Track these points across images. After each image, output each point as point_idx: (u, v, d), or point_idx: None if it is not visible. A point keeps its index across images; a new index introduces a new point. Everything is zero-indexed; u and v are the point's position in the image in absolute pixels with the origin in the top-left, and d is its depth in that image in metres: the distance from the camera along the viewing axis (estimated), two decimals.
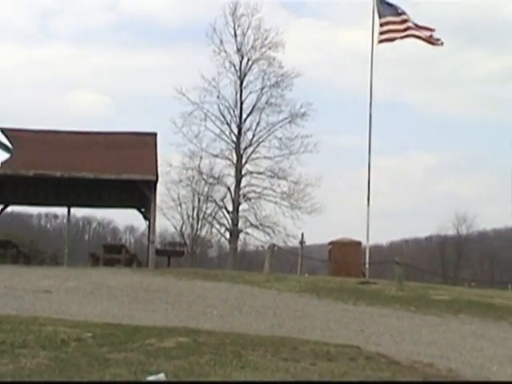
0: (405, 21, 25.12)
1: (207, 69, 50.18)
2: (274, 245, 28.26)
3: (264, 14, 46.74)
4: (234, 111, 45.87)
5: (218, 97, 45.51)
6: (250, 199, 46.16)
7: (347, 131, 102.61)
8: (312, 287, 19.91)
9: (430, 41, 25.35)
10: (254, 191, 46.27)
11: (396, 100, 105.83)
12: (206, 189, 49.66)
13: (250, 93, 46.26)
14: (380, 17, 25.39)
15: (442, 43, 25.38)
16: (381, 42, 25.36)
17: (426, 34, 25.22)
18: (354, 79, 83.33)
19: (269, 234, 45.71)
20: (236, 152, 45.56)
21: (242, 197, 45.69)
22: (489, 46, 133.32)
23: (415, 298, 18.38)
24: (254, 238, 47.92)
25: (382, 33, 25.28)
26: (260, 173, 46.18)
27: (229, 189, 46.24)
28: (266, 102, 46.01)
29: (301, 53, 76.12)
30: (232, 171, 45.94)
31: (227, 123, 45.81)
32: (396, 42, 25.54)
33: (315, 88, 76.71)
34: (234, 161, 45.64)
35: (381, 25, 25.31)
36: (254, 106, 46.08)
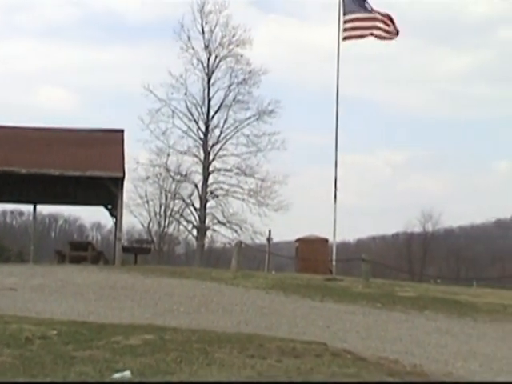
0: (372, 18, 25.16)
1: (175, 66, 49.93)
2: (241, 242, 28.29)
3: (232, 11, 46.74)
4: (201, 108, 45.80)
5: (186, 94, 45.43)
6: (217, 196, 46.12)
7: (315, 128, 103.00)
8: (279, 284, 19.93)
9: (390, 35, 25.30)
10: (222, 188, 46.24)
11: (364, 98, 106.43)
12: (173, 186, 49.53)
13: (218, 90, 46.22)
14: (345, 13, 25.39)
15: (397, 32, 25.31)
16: (345, 39, 25.36)
17: (388, 27, 25.19)
18: (322, 76, 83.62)
19: (236, 231, 45.72)
20: (203, 149, 45.48)
21: (209, 194, 45.63)
22: (454, 44, 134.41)
23: (381, 295, 18.47)
24: (221, 235, 47.92)
25: (346, 29, 25.28)
26: (227, 170, 46.16)
27: (196, 186, 46.16)
28: (234, 99, 46.00)
29: (269, 50, 76.41)
30: (199, 168, 45.86)
31: (195, 120, 45.73)
32: (361, 39, 25.56)
33: (283, 85, 76.94)
34: (202, 158, 45.56)
35: (345, 22, 25.31)
36: (221, 103, 46.04)
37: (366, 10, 25.37)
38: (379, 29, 25.22)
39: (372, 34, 25.31)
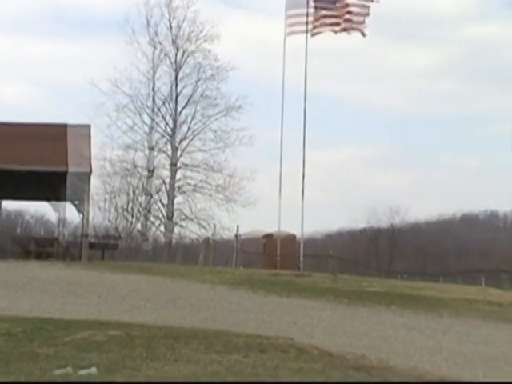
0: (336, 15, 25.12)
1: (142, 61, 49.72)
2: (208, 238, 28.30)
3: (200, 7, 46.56)
4: (169, 104, 45.66)
5: (153, 89, 45.28)
6: (184, 192, 46.04)
7: (284, 125, 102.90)
8: (246, 280, 19.94)
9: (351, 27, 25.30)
10: (189, 184, 46.15)
11: (331, 94, 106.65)
12: (140, 182, 49.32)
13: (186, 85, 46.07)
14: (315, 9, 25.41)
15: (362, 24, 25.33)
16: (313, 35, 25.36)
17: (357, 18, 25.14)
18: (291, 73, 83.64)
19: (204, 227, 45.67)
20: (171, 145, 45.36)
21: (176, 190, 45.54)
22: (421, 41, 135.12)
23: (349, 291, 18.54)
24: (189, 231, 47.83)
25: (313, 25, 25.28)
26: (195, 166, 46.05)
27: (164, 182, 46.04)
28: (202, 95, 45.89)
29: (237, 45, 76.20)
30: (167, 164, 45.73)
31: (162, 116, 45.60)
32: (332, 34, 25.60)
33: (251, 81, 76.73)
34: (169, 154, 45.44)
35: (315, 18, 25.35)
36: (189, 99, 45.90)
37: (329, 3, 25.33)
38: (346, 21, 25.20)
39: (337, 25, 25.27)
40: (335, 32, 25.41)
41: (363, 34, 25.44)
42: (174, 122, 45.64)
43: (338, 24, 25.21)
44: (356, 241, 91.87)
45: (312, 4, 25.29)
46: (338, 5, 25.18)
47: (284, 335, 10.61)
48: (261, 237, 30.74)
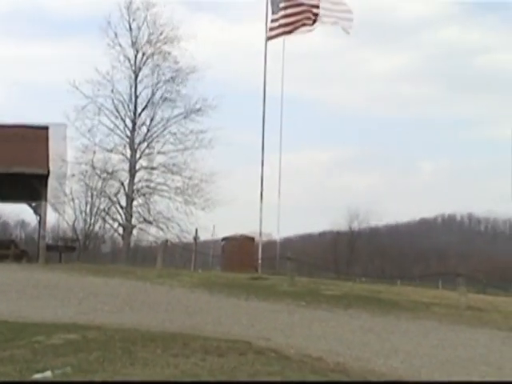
0: (298, 12, 25.10)
1: (102, 62, 49.44)
2: (166, 240, 28.20)
3: (160, 8, 46.41)
4: (128, 106, 45.45)
5: (113, 91, 45.00)
6: (143, 194, 45.86)
7: (244, 127, 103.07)
8: (204, 283, 19.91)
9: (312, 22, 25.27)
10: (148, 186, 45.98)
11: (292, 96, 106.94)
12: (99, 184, 49.03)
13: (145, 87, 45.93)
14: (273, 13, 25.42)
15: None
16: (269, 38, 25.36)
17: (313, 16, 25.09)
18: (252, 76, 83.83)
19: (162, 230, 45.54)
20: (130, 147, 45.15)
21: (135, 192, 45.34)
22: (383, 44, 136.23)
23: (306, 293, 18.59)
24: (147, 234, 47.65)
25: (271, 29, 25.30)
26: (154, 168, 45.91)
27: (122, 184, 45.82)
28: (161, 97, 45.78)
29: (198, 48, 75.98)
30: (126, 166, 45.50)
31: (121, 118, 45.36)
32: (286, 35, 25.54)
33: (212, 84, 76.61)
34: (128, 156, 45.21)
35: (272, 21, 25.35)
36: (148, 101, 45.76)
37: (291, 6, 25.32)
38: (307, 19, 25.19)
39: (295, 29, 25.29)
40: (299, 29, 25.36)
41: (345, 31, 25.40)
42: (134, 124, 45.46)
43: (303, 22, 25.16)
44: (315, 244, 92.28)
45: (282, 5, 25.26)
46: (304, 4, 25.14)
47: (242, 338, 10.62)
48: (241, 238, 30.66)
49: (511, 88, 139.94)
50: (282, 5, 25.31)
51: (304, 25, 25.39)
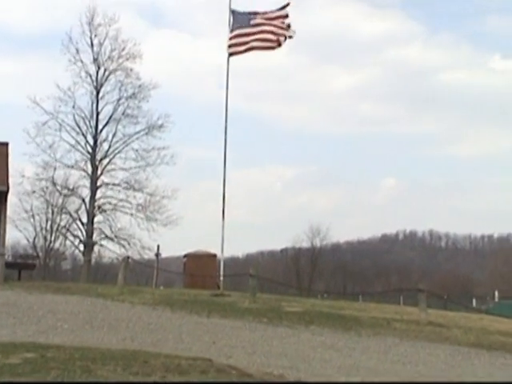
0: (254, 33, 25.18)
1: (63, 78, 49.19)
2: (128, 257, 27.95)
3: (122, 25, 46.55)
4: (89, 122, 45.24)
5: (74, 107, 44.79)
6: (105, 211, 45.60)
7: (205, 144, 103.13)
8: (166, 300, 19.80)
9: (275, 42, 25.35)
10: (110, 203, 45.76)
11: (254, 113, 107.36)
12: (60, 200, 48.80)
13: (107, 103, 45.79)
14: (232, 30, 25.46)
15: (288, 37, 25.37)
16: (231, 54, 25.42)
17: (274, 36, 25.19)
18: (212, 92, 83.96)
19: (124, 247, 45.30)
20: (91, 163, 44.90)
21: (97, 208, 45.07)
22: (343, 62, 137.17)
23: (268, 310, 18.56)
24: (108, 251, 47.36)
25: (231, 45, 25.34)
26: (116, 184, 45.73)
27: (84, 200, 45.55)
28: (123, 113, 45.65)
29: (159, 64, 76.22)
30: (87, 182, 45.26)
31: (83, 134, 45.13)
32: (246, 53, 25.57)
33: (173, 100, 76.78)
34: (90, 172, 44.96)
35: (230, 38, 25.39)
36: (110, 117, 45.60)
37: (251, 25, 25.40)
38: (263, 40, 25.27)
39: (254, 48, 25.36)
40: (257, 49, 25.44)
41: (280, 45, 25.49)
42: (95, 140, 45.24)
43: (255, 41, 25.22)
44: (277, 260, 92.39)
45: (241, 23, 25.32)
46: (256, 22, 25.20)
47: (203, 355, 10.55)
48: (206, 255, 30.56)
49: (472, 106, 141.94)
50: (242, 22, 25.37)
51: (267, 43, 25.47)
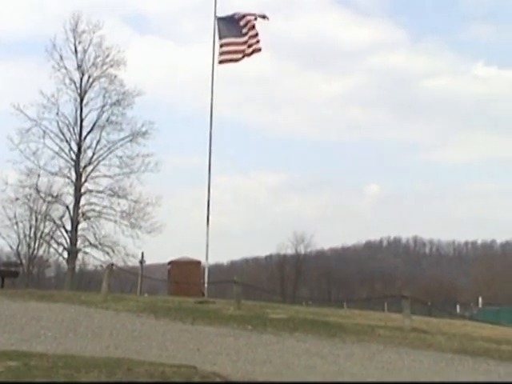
0: (244, 42, 25.37)
1: (47, 85, 49.14)
2: (112, 264, 27.84)
3: (106, 31, 46.56)
4: (73, 129, 45.16)
5: (58, 114, 44.73)
6: (89, 218, 45.49)
7: (190, 151, 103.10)
8: (150, 307, 19.75)
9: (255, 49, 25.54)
10: (94, 210, 45.66)
11: (239, 119, 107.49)
12: (43, 207, 48.63)
13: (91, 110, 45.75)
14: (220, 37, 25.56)
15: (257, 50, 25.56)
16: (221, 62, 25.53)
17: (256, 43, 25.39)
18: (197, 99, 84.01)
19: (108, 254, 45.18)
20: (75, 170, 44.81)
21: (81, 216, 44.97)
22: (327, 69, 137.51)
23: (252, 317, 18.54)
24: (93, 258, 47.23)
25: (221, 53, 25.47)
26: (100, 191, 45.64)
27: (67, 207, 45.43)
28: (107, 120, 45.62)
29: (144, 71, 76.12)
30: (71, 190, 45.18)
31: (67, 141, 45.04)
32: (236, 62, 25.75)
33: (158, 107, 76.79)
34: (74, 179, 44.88)
35: (221, 45, 25.49)
36: (94, 124, 45.55)
37: (240, 34, 25.54)
38: (250, 46, 25.46)
39: (244, 56, 25.53)
40: (240, 58, 25.57)
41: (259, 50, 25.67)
42: (79, 147, 45.16)
43: (242, 51, 25.38)
44: (261, 267, 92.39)
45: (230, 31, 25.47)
46: (243, 32, 25.35)
47: (187, 363, 10.53)
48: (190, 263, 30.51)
49: (455, 113, 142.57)
50: (230, 31, 25.46)
51: (252, 51, 25.60)
